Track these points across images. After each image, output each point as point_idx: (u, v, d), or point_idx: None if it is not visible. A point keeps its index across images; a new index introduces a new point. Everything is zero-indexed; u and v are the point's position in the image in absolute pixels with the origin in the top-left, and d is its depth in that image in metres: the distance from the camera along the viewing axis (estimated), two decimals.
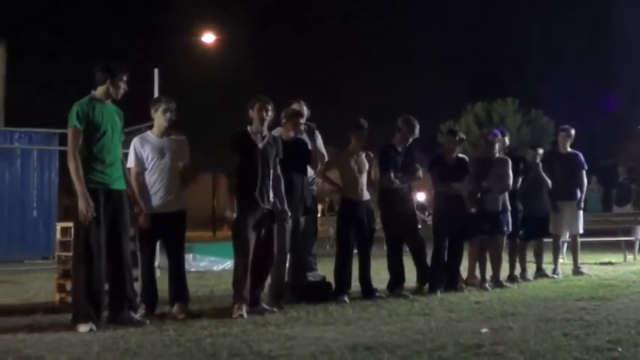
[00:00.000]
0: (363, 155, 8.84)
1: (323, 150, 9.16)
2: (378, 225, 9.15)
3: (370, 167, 8.89)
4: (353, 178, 8.74)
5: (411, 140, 9.22)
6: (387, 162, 9.08)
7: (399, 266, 9.05)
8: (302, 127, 8.83)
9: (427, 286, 9.11)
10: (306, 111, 8.99)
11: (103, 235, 6.67)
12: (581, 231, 11.41)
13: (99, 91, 6.88)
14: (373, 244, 8.98)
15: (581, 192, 11.37)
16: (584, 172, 11.45)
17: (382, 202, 9.21)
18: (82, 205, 6.53)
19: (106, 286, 6.88)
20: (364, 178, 8.79)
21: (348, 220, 8.76)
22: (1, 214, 16.67)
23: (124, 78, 6.92)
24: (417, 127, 9.19)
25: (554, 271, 11.04)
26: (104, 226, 6.68)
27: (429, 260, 9.34)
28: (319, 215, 15.89)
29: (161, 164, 7.56)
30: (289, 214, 7.90)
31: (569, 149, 11.50)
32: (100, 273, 6.66)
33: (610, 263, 13.44)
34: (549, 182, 10.89)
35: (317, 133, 9.16)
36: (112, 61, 7.03)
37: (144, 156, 7.56)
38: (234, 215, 7.48)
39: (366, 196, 8.83)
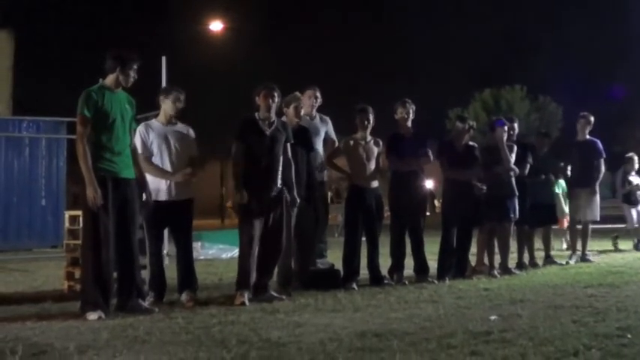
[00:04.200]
0: (372, 142, 8.82)
1: (334, 136, 9.15)
2: (387, 212, 9.13)
3: (379, 154, 8.87)
4: (361, 165, 8.72)
5: (409, 117, 9.17)
6: (392, 146, 9.05)
7: (401, 253, 9.06)
8: (313, 112, 8.85)
9: (424, 275, 9.03)
10: (319, 98, 8.98)
11: (111, 223, 6.67)
12: (597, 218, 11.37)
13: (109, 80, 6.87)
14: (381, 232, 8.96)
15: (597, 179, 11.30)
16: (602, 161, 11.37)
17: (392, 187, 9.19)
18: (89, 192, 6.53)
19: (115, 274, 6.88)
20: (372, 165, 8.77)
21: (356, 208, 8.74)
22: (9, 203, 16.73)
23: (135, 66, 6.90)
24: (408, 103, 9.15)
25: (583, 258, 11.03)
26: (112, 214, 6.68)
27: (435, 248, 9.35)
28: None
29: (167, 152, 7.56)
30: (297, 200, 7.89)
31: (587, 136, 11.43)
32: (109, 261, 6.66)
33: (619, 250, 13.42)
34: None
35: (328, 119, 9.15)
36: (122, 49, 7.02)
37: (149, 143, 7.57)
38: (241, 199, 7.45)
39: (375, 183, 8.81)
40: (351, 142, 8.81)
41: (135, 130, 7.25)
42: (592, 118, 11.39)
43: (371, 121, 8.80)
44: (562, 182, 12.74)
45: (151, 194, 7.30)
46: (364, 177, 8.74)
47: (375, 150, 8.83)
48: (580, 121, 11.52)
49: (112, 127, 6.75)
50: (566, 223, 12.79)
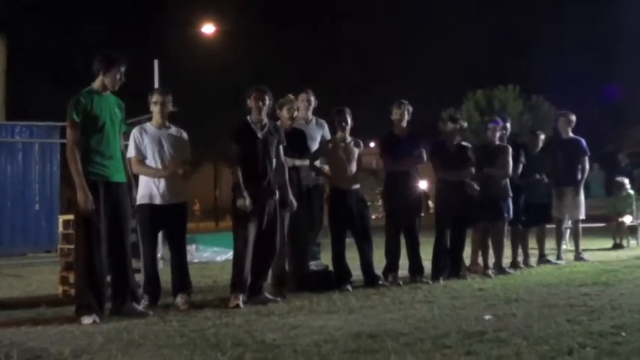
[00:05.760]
0: (352, 143, 8.79)
1: None
2: (376, 215, 9.11)
3: (360, 155, 8.84)
4: (342, 168, 8.68)
5: (404, 118, 9.18)
6: (386, 147, 9.08)
7: (396, 254, 9.06)
8: (309, 116, 8.86)
9: (419, 276, 9.03)
10: (313, 101, 9.00)
11: (104, 228, 6.66)
12: (582, 216, 11.38)
13: (96, 83, 6.84)
14: (372, 233, 8.91)
15: (582, 177, 11.31)
16: (586, 158, 11.37)
17: (386, 188, 9.20)
18: (80, 197, 6.52)
19: (109, 278, 6.87)
20: (353, 167, 8.73)
21: (338, 209, 8.71)
22: (3, 208, 16.68)
23: (121, 69, 6.86)
24: (404, 104, 9.18)
25: (558, 257, 11.04)
26: (104, 219, 6.67)
27: (430, 249, 9.36)
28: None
29: (160, 155, 7.55)
30: (294, 202, 7.88)
31: (571, 135, 11.42)
32: (102, 265, 6.65)
33: (613, 249, 13.44)
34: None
35: (324, 123, 9.15)
36: (109, 51, 6.98)
37: (142, 146, 7.56)
38: (245, 202, 7.41)
39: (356, 185, 8.79)
40: (330, 145, 8.79)
41: (124, 134, 7.23)
42: (573, 117, 11.37)
43: (349, 122, 8.76)
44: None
45: (137, 199, 7.31)
46: (345, 179, 8.70)
47: (356, 151, 8.78)
48: (560, 120, 11.51)
49: (101, 131, 6.72)
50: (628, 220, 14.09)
